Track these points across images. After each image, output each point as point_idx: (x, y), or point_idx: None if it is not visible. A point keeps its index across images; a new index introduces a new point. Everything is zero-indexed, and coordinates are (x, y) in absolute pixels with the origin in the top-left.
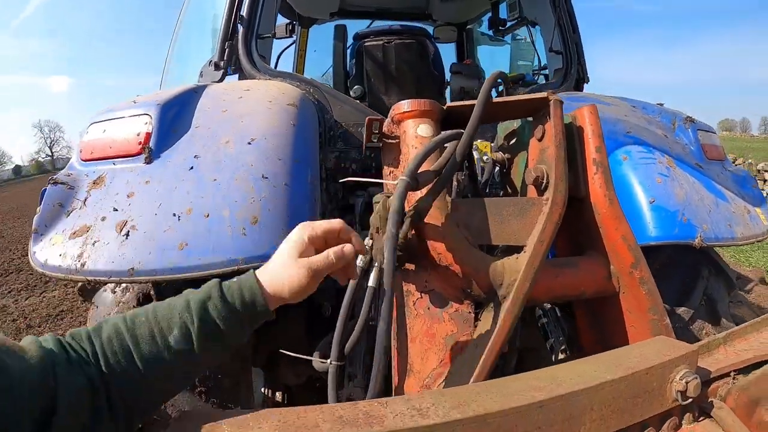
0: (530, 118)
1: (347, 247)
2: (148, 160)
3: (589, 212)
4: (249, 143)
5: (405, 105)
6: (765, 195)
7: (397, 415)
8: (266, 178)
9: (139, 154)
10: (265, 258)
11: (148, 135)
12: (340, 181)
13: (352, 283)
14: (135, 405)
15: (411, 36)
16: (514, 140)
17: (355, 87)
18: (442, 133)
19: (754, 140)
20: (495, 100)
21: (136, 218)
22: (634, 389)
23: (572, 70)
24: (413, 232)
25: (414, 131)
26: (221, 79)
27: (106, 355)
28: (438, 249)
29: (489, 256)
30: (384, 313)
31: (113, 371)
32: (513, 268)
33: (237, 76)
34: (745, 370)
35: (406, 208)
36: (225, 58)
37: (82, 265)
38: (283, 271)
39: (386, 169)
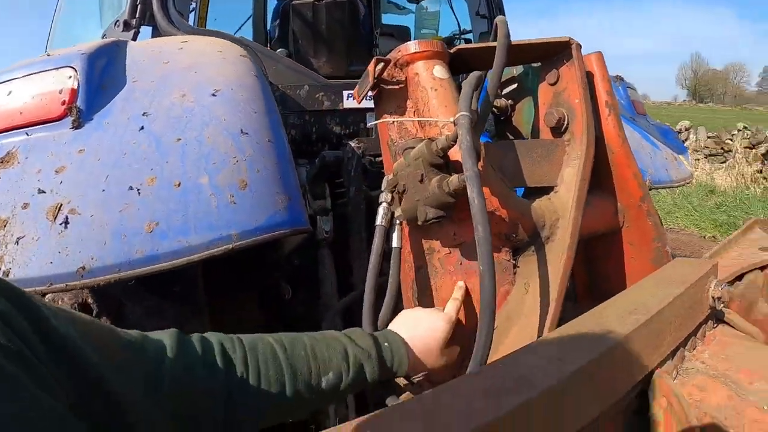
0: (536, 64)
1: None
2: (77, 124)
3: (603, 151)
4: (213, 95)
5: (413, 46)
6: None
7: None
8: (246, 133)
9: (62, 117)
10: (265, 230)
11: (74, 92)
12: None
13: (376, 246)
14: (241, 426)
15: None
16: (512, 87)
17: (279, 50)
18: (473, 73)
19: None
20: (513, 42)
21: (74, 199)
22: (690, 300)
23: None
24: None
25: (429, 74)
26: (133, 40)
27: (260, 377)
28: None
29: (525, 200)
30: (486, 265)
31: (264, 391)
32: (550, 209)
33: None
34: (736, 279)
35: (434, 157)
36: (138, 16)
37: (5, 273)
38: (430, 357)
39: (388, 119)
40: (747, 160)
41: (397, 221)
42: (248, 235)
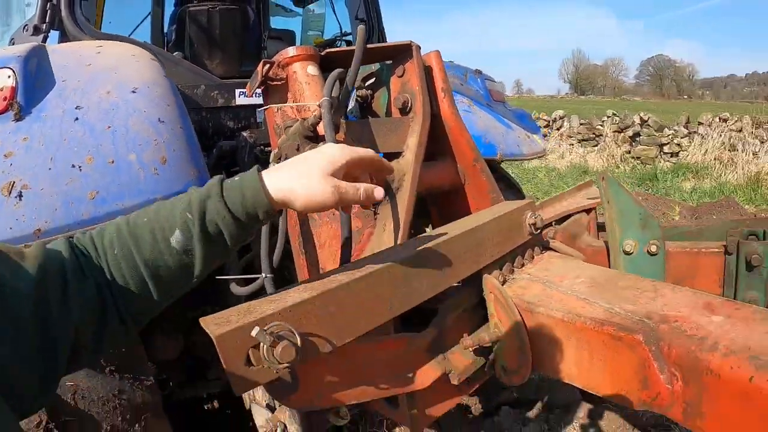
0: (389, 62)
1: (378, 191)
2: (18, 117)
3: (441, 125)
4: (133, 91)
5: (291, 50)
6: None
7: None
8: (163, 122)
9: (4, 111)
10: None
11: (14, 89)
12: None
13: None
14: (138, 307)
15: (234, 2)
16: (372, 80)
17: (176, 53)
18: (335, 70)
19: (509, 99)
20: (370, 46)
21: (26, 177)
22: (509, 223)
23: (374, 37)
24: None
25: (304, 71)
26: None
27: (107, 258)
28: None
29: None
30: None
31: (117, 274)
32: (399, 168)
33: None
34: (563, 219)
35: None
36: (47, 21)
37: None
38: (305, 181)
39: (273, 107)
40: (616, 143)
41: None
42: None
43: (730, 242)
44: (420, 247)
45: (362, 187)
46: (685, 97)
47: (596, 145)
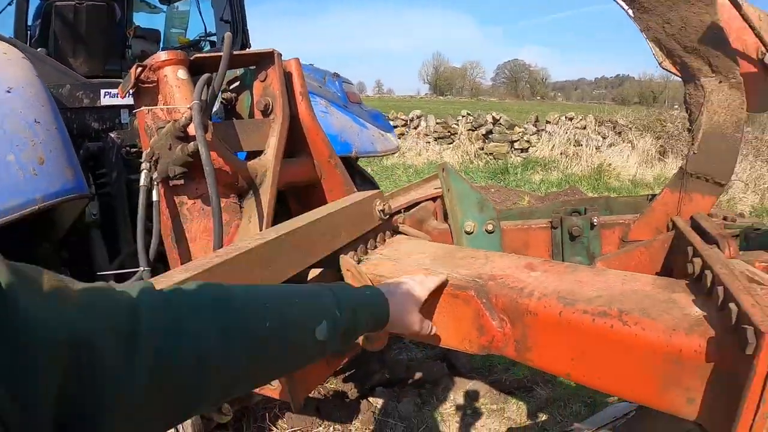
0: (252, 67)
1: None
2: None
3: (299, 125)
4: (8, 92)
5: (163, 55)
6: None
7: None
8: (38, 122)
9: None
10: (60, 194)
11: None
12: None
13: (141, 201)
14: (240, 385)
15: None
16: (236, 84)
17: (40, 49)
18: (204, 75)
19: (369, 99)
20: (236, 53)
21: None
22: (360, 210)
23: (238, 38)
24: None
25: (174, 75)
26: None
27: (242, 333)
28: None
29: (244, 160)
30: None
31: (236, 356)
32: (261, 164)
33: None
34: (411, 207)
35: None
36: None
37: None
38: (407, 316)
39: (145, 109)
40: (470, 140)
41: (156, 182)
42: (50, 198)
43: (555, 218)
44: (282, 232)
45: (433, 329)
46: (539, 98)
47: (452, 143)
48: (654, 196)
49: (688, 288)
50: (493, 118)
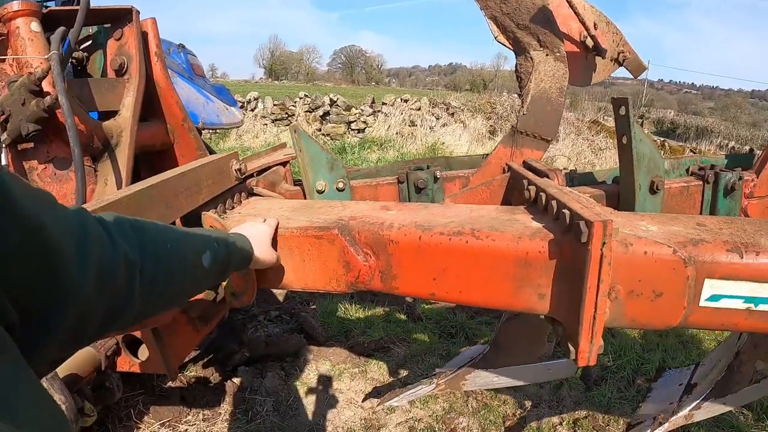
0: (107, 26)
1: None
2: None
3: (153, 88)
4: None
5: (16, 5)
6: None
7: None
8: None
9: None
10: None
11: None
12: None
13: None
14: (151, 304)
15: None
16: (88, 43)
17: None
18: (60, 28)
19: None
20: (92, 8)
21: None
22: (218, 169)
23: None
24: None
25: (27, 27)
26: None
27: (153, 250)
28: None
29: (98, 120)
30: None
31: (151, 268)
32: (117, 125)
33: None
34: (263, 172)
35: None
36: None
37: None
38: (264, 249)
39: None
40: (308, 122)
41: (4, 145)
42: None
43: (401, 174)
44: (145, 186)
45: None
46: (374, 84)
47: (289, 124)
48: (488, 155)
49: (527, 210)
50: (331, 99)
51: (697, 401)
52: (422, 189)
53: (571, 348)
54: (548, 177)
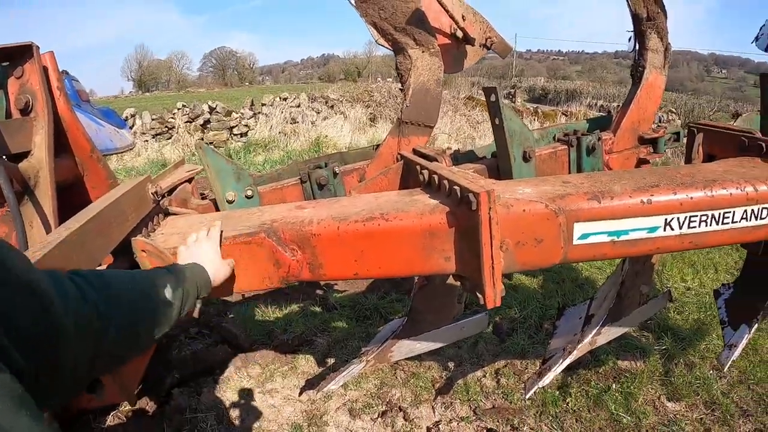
0: (5, 63)
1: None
2: None
3: (59, 122)
4: None
5: None
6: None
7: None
8: None
9: None
10: None
11: None
12: None
13: None
14: (126, 347)
15: None
16: None
17: None
18: None
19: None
20: None
21: None
22: (138, 194)
23: None
24: None
25: None
26: None
27: (119, 299)
28: None
29: (12, 163)
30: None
31: (113, 316)
32: (32, 166)
33: None
34: (174, 189)
35: None
36: None
37: None
38: (218, 268)
39: None
40: (189, 132)
41: None
42: None
43: (303, 174)
44: (83, 222)
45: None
46: (248, 84)
47: (170, 138)
48: (378, 145)
49: (423, 191)
50: (209, 106)
51: (597, 328)
52: (324, 185)
53: (479, 295)
54: (437, 161)
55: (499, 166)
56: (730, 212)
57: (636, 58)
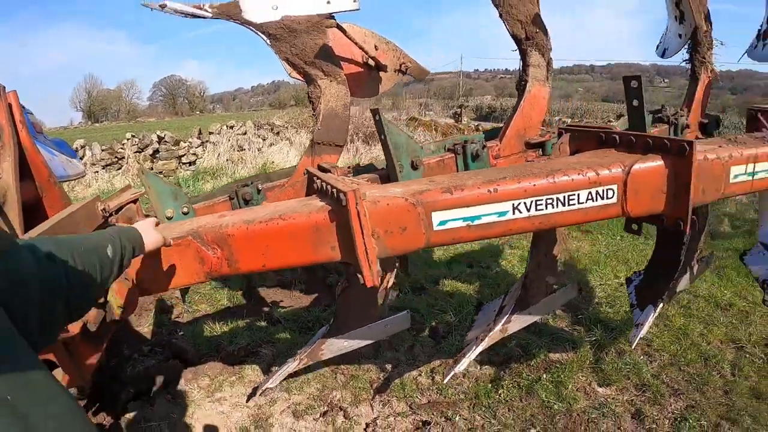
0: None
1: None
2: None
3: (22, 151)
4: None
5: None
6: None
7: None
8: None
9: None
10: None
11: None
12: None
13: None
14: (79, 303)
15: None
16: None
17: None
18: None
19: None
20: None
21: None
22: (89, 211)
23: None
24: None
25: None
26: None
27: (68, 260)
28: None
29: None
30: None
31: (72, 273)
32: (2, 187)
33: None
34: (120, 208)
35: None
36: None
37: None
38: (152, 234)
39: None
40: (138, 162)
41: None
42: None
43: (231, 192)
44: (37, 234)
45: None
46: (198, 112)
47: (120, 168)
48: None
49: (317, 196)
50: (158, 136)
51: (506, 317)
52: (248, 201)
53: (360, 276)
54: (330, 172)
55: (389, 175)
56: (574, 195)
57: (520, 74)
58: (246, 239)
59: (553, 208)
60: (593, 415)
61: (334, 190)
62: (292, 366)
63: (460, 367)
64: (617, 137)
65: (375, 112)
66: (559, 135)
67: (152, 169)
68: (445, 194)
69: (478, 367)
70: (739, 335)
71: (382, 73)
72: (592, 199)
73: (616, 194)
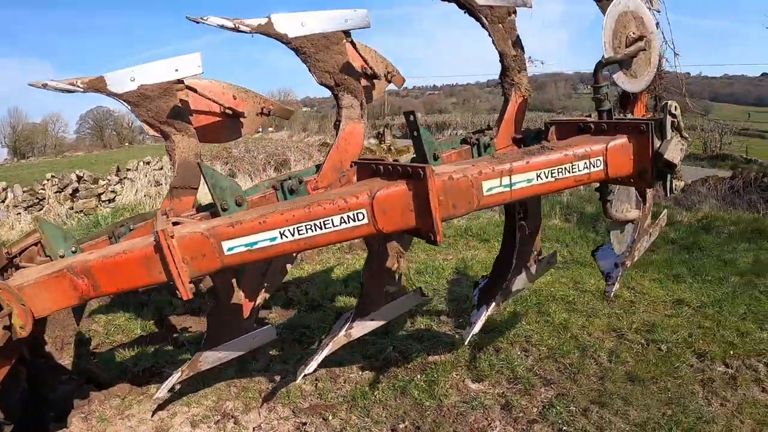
0: None
1: None
2: None
3: None
4: None
5: None
6: None
7: None
8: None
9: None
10: None
11: None
12: None
13: None
14: None
15: None
16: None
17: None
18: None
19: None
20: None
21: None
22: None
23: None
24: None
25: None
26: None
27: None
28: None
29: None
30: None
31: None
32: None
33: None
34: (24, 251)
35: None
36: None
37: None
38: None
39: None
40: (59, 202)
41: None
42: None
43: (109, 232)
44: None
45: None
46: (127, 144)
47: (42, 209)
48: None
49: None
50: (77, 175)
51: (348, 323)
52: (120, 237)
53: (177, 293)
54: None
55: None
56: (329, 220)
57: (336, 114)
58: (103, 269)
59: (312, 231)
60: (462, 409)
61: (154, 228)
62: (176, 377)
63: (310, 369)
64: (400, 168)
65: (409, 114)
66: (547, 127)
67: (72, 208)
68: (229, 227)
69: (359, 372)
70: (621, 324)
71: (243, 119)
72: (345, 221)
73: (366, 216)
